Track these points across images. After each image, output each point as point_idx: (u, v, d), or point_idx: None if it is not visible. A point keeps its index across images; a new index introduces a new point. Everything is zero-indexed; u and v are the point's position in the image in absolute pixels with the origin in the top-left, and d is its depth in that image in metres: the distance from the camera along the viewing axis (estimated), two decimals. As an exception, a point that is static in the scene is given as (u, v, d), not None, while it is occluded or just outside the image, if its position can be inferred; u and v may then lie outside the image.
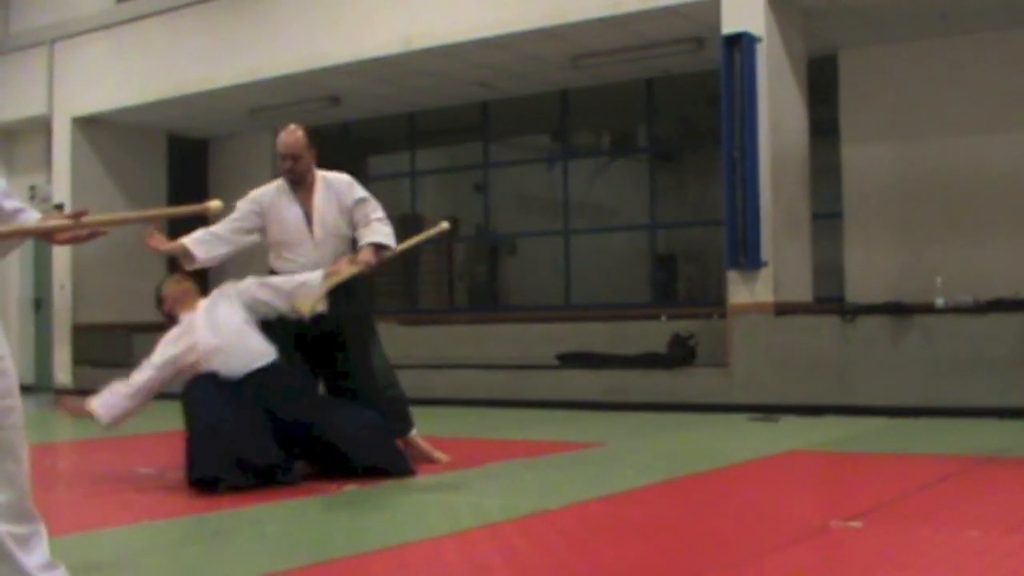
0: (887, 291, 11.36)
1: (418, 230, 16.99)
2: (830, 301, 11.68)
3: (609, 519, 5.05)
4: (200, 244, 6.73)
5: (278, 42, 13.98)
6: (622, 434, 8.97)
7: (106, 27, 15.55)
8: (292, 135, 7.17)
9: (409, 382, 13.34)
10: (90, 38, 15.83)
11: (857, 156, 12.43)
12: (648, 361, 11.67)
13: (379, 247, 6.88)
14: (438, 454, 7.15)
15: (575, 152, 15.38)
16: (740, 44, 10.69)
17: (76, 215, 3.39)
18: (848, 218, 12.44)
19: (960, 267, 11.34)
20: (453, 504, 5.39)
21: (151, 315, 16.72)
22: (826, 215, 12.13)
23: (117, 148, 16.28)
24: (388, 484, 6.14)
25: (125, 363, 15.42)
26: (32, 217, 3.49)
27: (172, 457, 6.60)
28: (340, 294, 6.73)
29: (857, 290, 12.06)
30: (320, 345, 6.92)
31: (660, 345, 11.76)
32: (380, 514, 5.26)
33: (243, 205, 6.95)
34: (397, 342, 14.45)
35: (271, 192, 7.04)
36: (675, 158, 15.11)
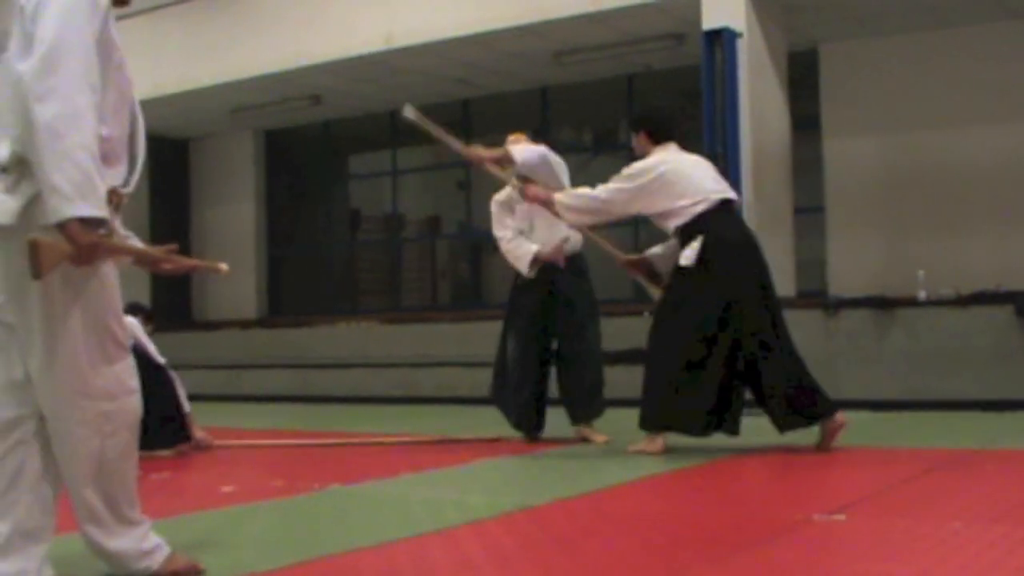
0: (870, 285, 11.39)
1: (400, 229, 16.96)
2: (813, 295, 11.71)
3: (593, 514, 5.05)
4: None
5: (259, 41, 13.96)
6: (606, 430, 8.97)
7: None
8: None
9: (393, 380, 13.49)
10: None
11: (839, 150, 12.47)
12: (631, 357, 11.64)
13: None
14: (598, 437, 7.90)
15: (557, 149, 15.34)
16: (721, 39, 10.69)
17: (169, 250, 3.85)
18: (830, 212, 12.47)
19: (942, 260, 11.37)
20: (437, 501, 5.38)
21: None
22: (808, 209, 12.16)
23: (97, 149, 16.20)
24: (372, 481, 6.15)
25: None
26: (137, 244, 3.86)
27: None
28: (575, 271, 7.93)
29: (840, 284, 12.09)
30: (559, 312, 7.92)
31: (643, 341, 11.73)
32: (365, 512, 5.25)
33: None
34: (380, 341, 14.50)
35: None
36: (657, 154, 15.11)
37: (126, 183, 3.64)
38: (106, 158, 3.44)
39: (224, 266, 4.11)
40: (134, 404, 3.67)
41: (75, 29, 3.35)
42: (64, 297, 3.44)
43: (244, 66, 14.00)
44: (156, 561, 3.70)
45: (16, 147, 3.41)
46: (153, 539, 3.72)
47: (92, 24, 3.40)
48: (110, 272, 3.60)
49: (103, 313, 3.56)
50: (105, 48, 3.48)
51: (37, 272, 3.27)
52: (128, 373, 3.66)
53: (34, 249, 3.24)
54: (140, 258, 3.84)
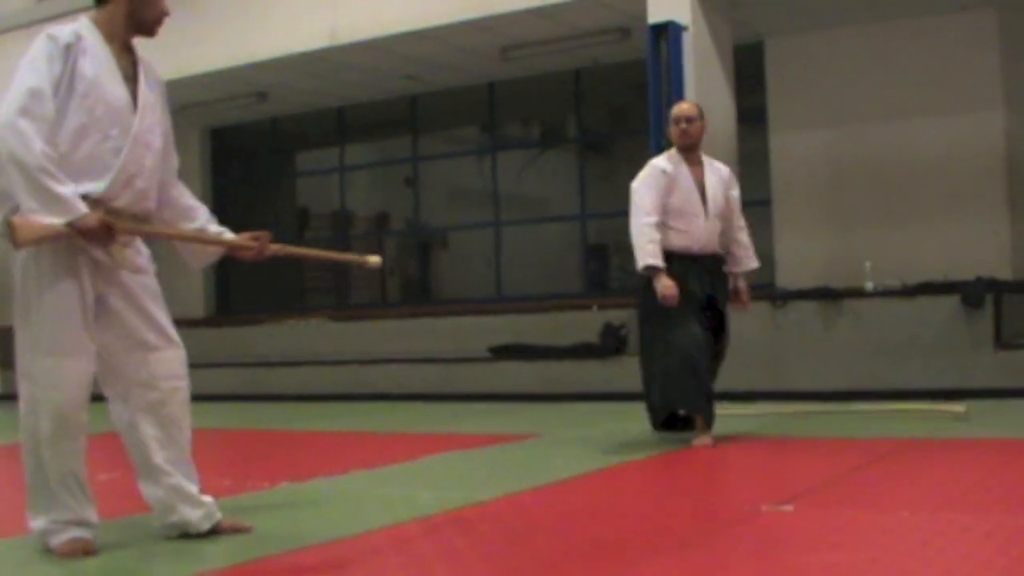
0: (816, 277, 11.45)
1: (348, 226, 16.89)
2: (760, 288, 11.74)
3: (543, 509, 5.05)
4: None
5: (205, 38, 13.84)
6: (556, 425, 8.99)
7: (27, 26, 15.31)
8: (688, 102, 7.70)
9: (342, 377, 13.42)
10: (10, 37, 15.56)
11: (785, 143, 12.53)
12: (581, 351, 11.69)
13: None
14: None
15: (505, 144, 15.38)
16: (666, 33, 10.71)
17: (256, 237, 4.63)
18: (777, 205, 12.54)
19: (888, 252, 11.45)
20: (387, 497, 5.37)
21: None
22: (755, 202, 12.18)
23: (41, 147, 16.00)
24: (322, 478, 6.12)
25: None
26: (228, 234, 4.69)
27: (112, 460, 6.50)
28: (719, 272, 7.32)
29: (787, 276, 12.15)
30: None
31: (592, 335, 11.79)
32: (314, 509, 5.23)
33: (653, 179, 7.12)
34: (329, 338, 14.45)
35: (668, 162, 7.18)
36: (604, 148, 15.15)
37: (113, 193, 4.16)
38: (79, 174, 4.05)
39: (375, 258, 4.90)
40: (56, 400, 4.05)
41: (30, 75, 4.10)
42: (28, 288, 4.08)
43: (189, 63, 13.86)
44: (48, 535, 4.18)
45: None
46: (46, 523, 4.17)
47: (52, 70, 4.14)
48: (84, 284, 4.12)
49: (58, 312, 4.05)
50: (71, 82, 4.15)
51: (16, 246, 3.95)
52: (57, 373, 4.05)
53: (8, 227, 3.90)
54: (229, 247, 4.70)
